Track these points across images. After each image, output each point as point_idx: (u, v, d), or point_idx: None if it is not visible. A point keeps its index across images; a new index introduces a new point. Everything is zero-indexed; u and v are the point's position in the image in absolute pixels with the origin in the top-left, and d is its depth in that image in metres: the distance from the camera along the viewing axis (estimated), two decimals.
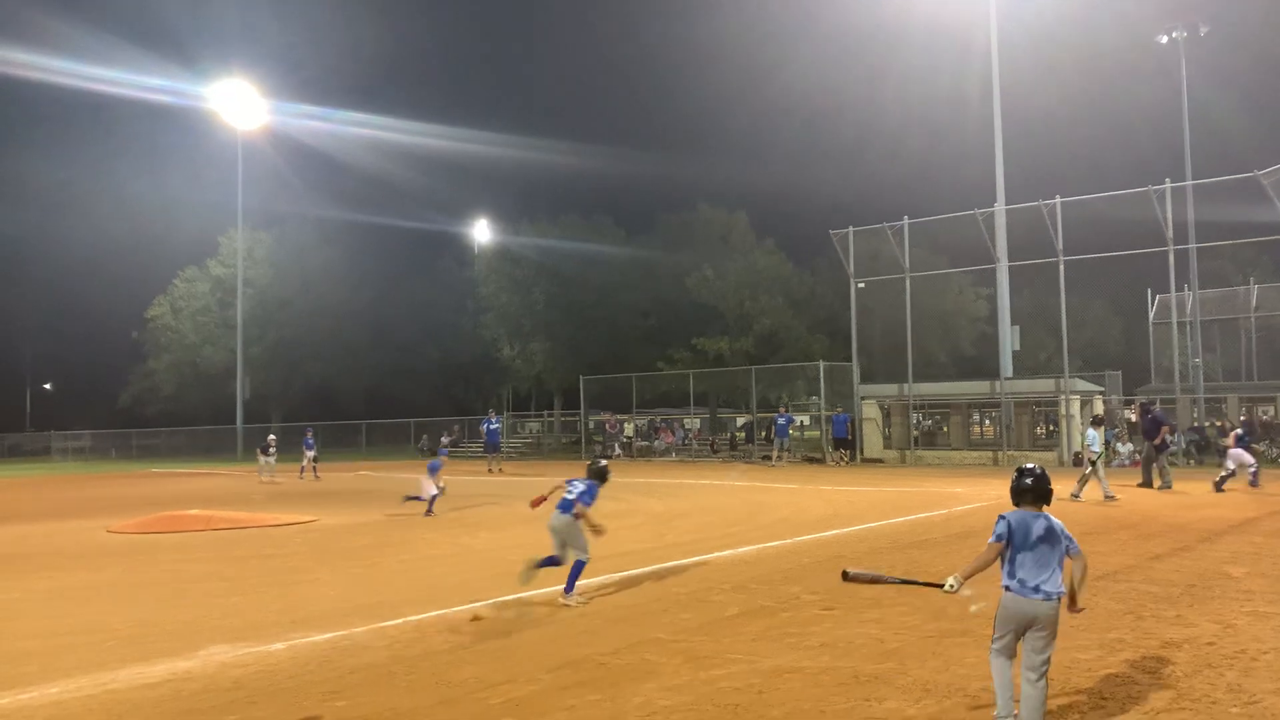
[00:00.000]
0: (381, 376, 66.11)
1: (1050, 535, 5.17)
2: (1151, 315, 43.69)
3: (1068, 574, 5.24)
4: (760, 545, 13.09)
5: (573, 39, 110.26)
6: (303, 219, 66.01)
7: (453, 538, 14.93)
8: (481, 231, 62.54)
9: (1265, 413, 36.65)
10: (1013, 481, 5.42)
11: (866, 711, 5.79)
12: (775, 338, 47.77)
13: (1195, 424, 31.76)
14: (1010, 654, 5.25)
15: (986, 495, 19.90)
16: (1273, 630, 7.60)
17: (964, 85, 38.56)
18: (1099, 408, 31.44)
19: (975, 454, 32.28)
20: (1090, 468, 18.58)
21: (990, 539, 5.27)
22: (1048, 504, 5.32)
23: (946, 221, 34.90)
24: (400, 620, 8.59)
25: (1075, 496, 18.07)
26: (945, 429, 35.72)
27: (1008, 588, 5.22)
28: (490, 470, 32.56)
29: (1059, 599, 5.14)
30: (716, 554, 12.31)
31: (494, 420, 35.48)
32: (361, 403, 62.06)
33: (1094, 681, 6.27)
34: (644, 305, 53.01)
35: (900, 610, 8.60)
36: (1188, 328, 37.36)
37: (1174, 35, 38.04)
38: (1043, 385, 33.27)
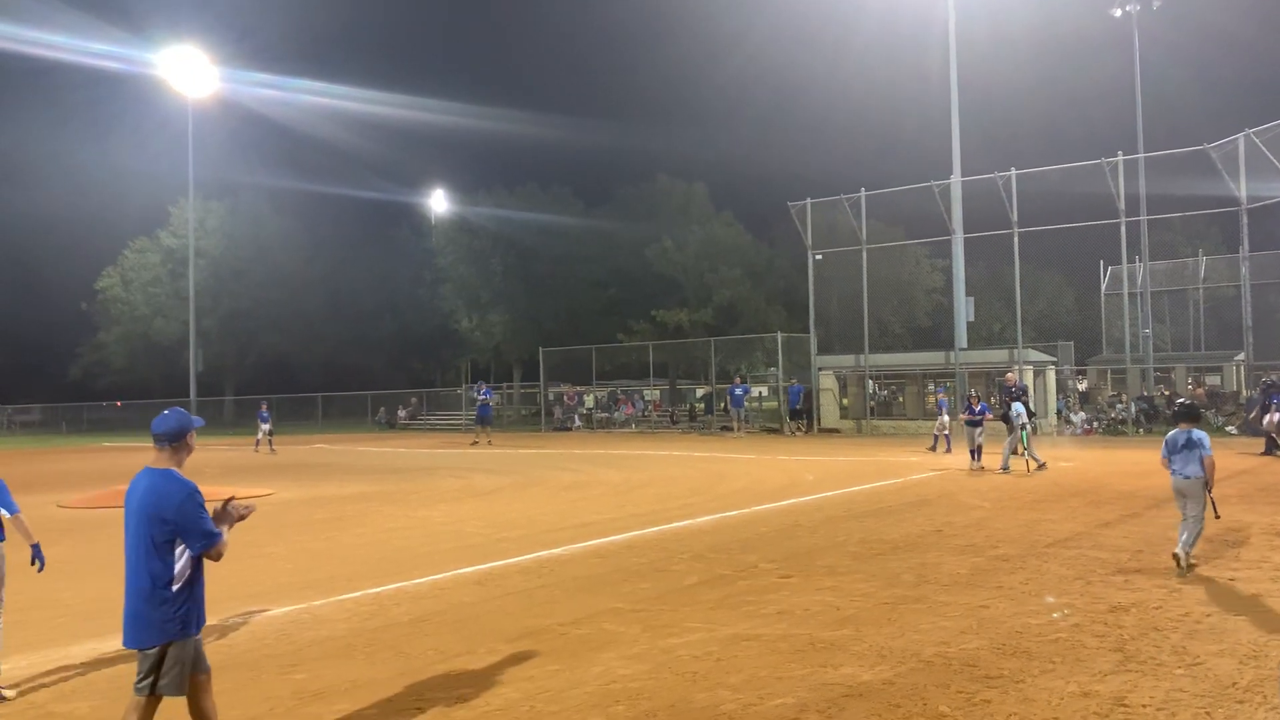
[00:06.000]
0: (338, 348, 65.42)
1: (1190, 443, 8.59)
2: (1103, 286, 44.27)
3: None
4: (719, 515, 13.19)
5: (532, 7, 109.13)
6: (256, 188, 64.92)
7: (410, 510, 14.89)
8: (439, 202, 61.92)
9: (1204, 383, 37.33)
10: (1174, 410, 9.39)
11: (822, 677, 5.87)
12: (734, 309, 47.90)
13: (1144, 393, 32.37)
14: (1185, 514, 8.66)
15: (941, 464, 20.17)
16: (1216, 594, 7.81)
17: (923, 58, 38.65)
18: (1050, 379, 31.95)
19: (930, 424, 32.58)
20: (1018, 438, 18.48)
21: (1161, 456, 8.88)
22: (1196, 421, 8.84)
23: (903, 194, 35.06)
24: (359, 593, 8.57)
25: (1004, 469, 17.94)
26: (901, 399, 36.03)
27: (1173, 474, 8.73)
28: (477, 443, 31.66)
29: (1196, 479, 8.53)
30: (675, 524, 12.38)
31: (486, 391, 34.75)
32: (318, 375, 61.38)
33: (1043, 645, 6.41)
34: (603, 276, 52.87)
35: (856, 578, 8.72)
36: (1138, 299, 37.96)
37: (1127, 8, 38.38)
38: (996, 355, 33.67)
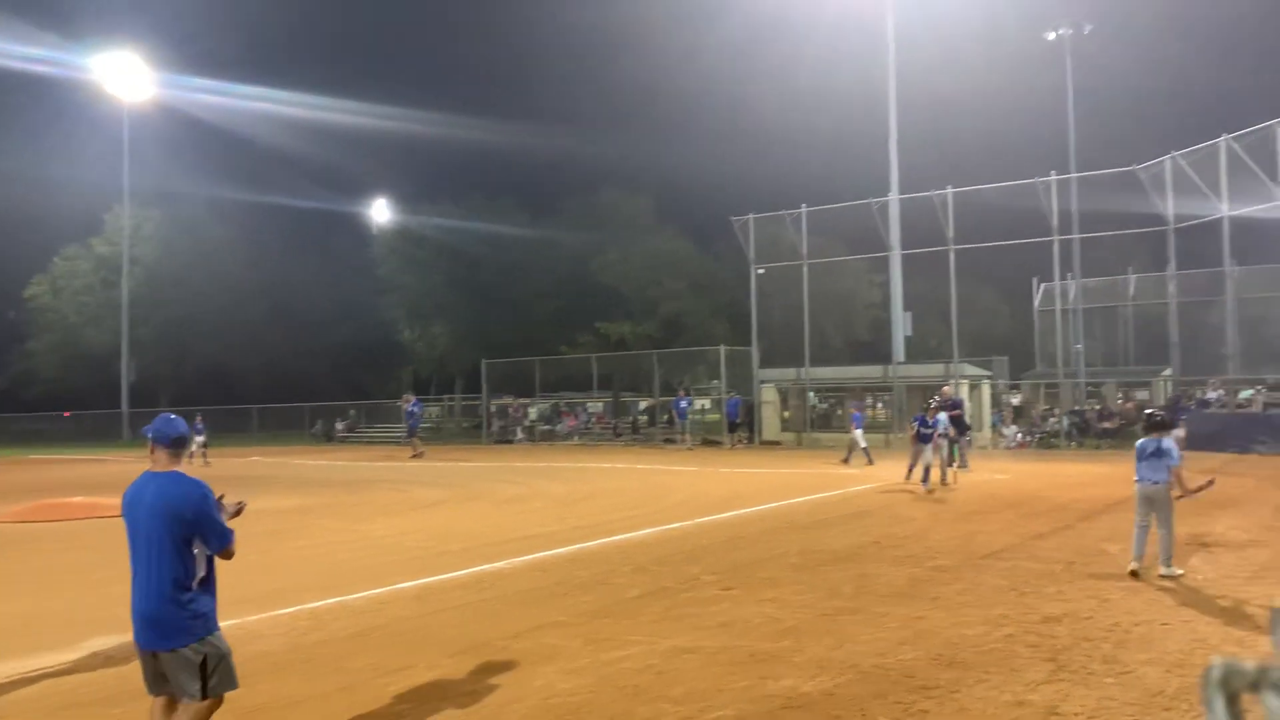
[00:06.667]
0: (277, 358, 64.28)
1: (1159, 452, 9.02)
2: (1036, 303, 45.19)
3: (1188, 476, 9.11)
4: (661, 527, 13.21)
5: (479, 17, 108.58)
6: (195, 196, 63.57)
7: (351, 524, 14.70)
8: (381, 211, 61.28)
9: (1133, 397, 38.25)
10: (1143, 419, 9.65)
11: (763, 689, 5.92)
12: (678, 322, 48.08)
13: (1076, 407, 33.10)
14: (1145, 524, 9.09)
15: (879, 476, 20.41)
16: (1145, 603, 8.01)
17: (865, 80, 39.23)
18: (985, 393, 32.51)
19: (869, 436, 32.90)
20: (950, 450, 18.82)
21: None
22: (1164, 431, 9.23)
23: (843, 210, 35.48)
24: (297, 608, 8.45)
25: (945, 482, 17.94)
26: (840, 412, 36.43)
27: (1138, 481, 9.19)
28: (418, 454, 30.96)
29: (1163, 485, 8.97)
30: (618, 537, 12.39)
31: (415, 403, 34.32)
32: (256, 385, 60.22)
33: (978, 655, 6.53)
34: (547, 288, 52.75)
35: (797, 589, 8.80)
36: (1070, 315, 38.82)
37: (1060, 32, 39.34)
38: (933, 370, 34.21)
